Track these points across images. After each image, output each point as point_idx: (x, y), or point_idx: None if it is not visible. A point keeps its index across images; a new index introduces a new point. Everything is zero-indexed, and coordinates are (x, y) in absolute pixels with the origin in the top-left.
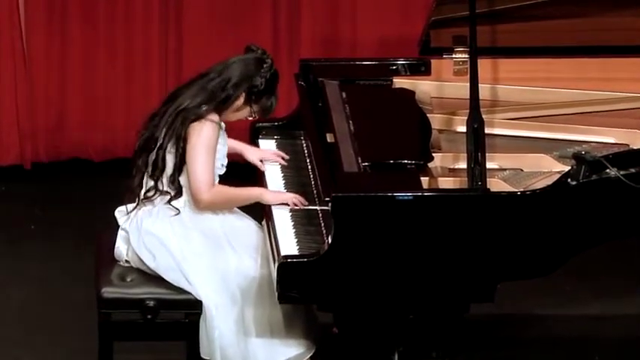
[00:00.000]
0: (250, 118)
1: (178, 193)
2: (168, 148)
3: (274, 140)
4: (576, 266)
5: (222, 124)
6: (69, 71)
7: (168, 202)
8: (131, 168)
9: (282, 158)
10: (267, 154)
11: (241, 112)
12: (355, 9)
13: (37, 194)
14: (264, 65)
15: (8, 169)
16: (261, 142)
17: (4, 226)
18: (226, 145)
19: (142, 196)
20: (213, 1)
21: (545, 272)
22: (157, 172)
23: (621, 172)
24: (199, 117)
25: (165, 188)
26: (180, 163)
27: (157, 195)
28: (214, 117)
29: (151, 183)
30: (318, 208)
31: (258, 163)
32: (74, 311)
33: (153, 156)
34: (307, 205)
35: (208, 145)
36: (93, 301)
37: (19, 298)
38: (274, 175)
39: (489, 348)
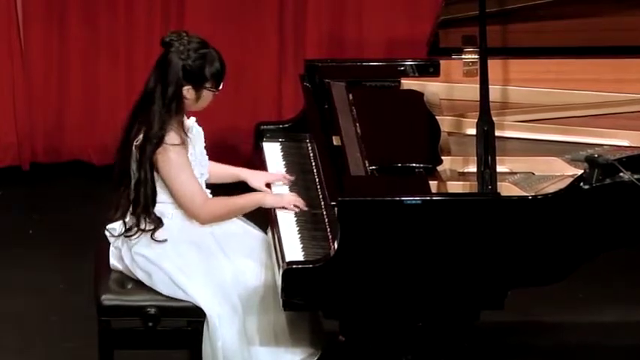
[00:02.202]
0: (217, 92)
1: (159, 224)
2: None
3: (279, 143)
4: (589, 272)
5: (197, 127)
6: (68, 70)
7: (151, 236)
8: (111, 201)
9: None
10: (272, 177)
11: (204, 97)
12: (362, 8)
13: (35, 197)
14: (181, 48)
15: (6, 170)
16: (265, 144)
17: (1, 229)
18: (202, 151)
19: (124, 236)
20: (216, 1)
21: (557, 279)
22: (139, 209)
23: (635, 176)
24: (160, 142)
25: (147, 227)
26: (153, 194)
27: (138, 234)
28: (174, 139)
29: (133, 220)
30: (324, 212)
31: (263, 189)
32: (73, 319)
33: (133, 194)
34: (306, 208)
35: (180, 166)
36: (92, 308)
37: (17, 304)
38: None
39: (499, 356)
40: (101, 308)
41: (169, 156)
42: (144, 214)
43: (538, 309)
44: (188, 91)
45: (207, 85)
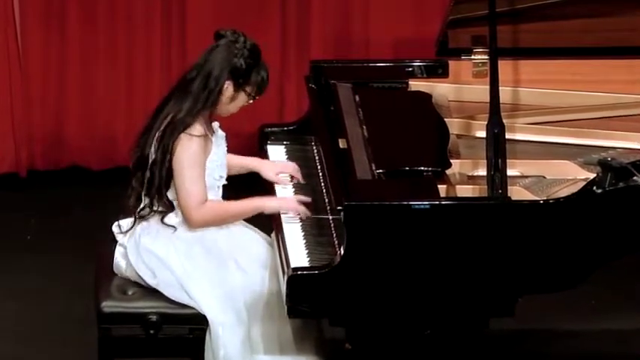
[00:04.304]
0: (251, 102)
1: (170, 208)
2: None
3: (283, 145)
4: (603, 278)
5: (221, 131)
6: (67, 74)
7: (161, 219)
8: (127, 187)
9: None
10: (284, 167)
11: (238, 99)
12: (368, 7)
13: (33, 203)
14: (237, 45)
15: (3, 177)
16: (269, 147)
17: None
18: (224, 154)
19: (137, 215)
20: (218, 1)
21: (569, 286)
22: (153, 190)
23: None
24: (187, 126)
25: (159, 207)
26: (167, 177)
27: (151, 213)
28: (197, 130)
29: (147, 200)
30: (330, 217)
31: (275, 179)
32: (73, 326)
33: (148, 174)
34: (309, 213)
35: (194, 161)
36: (92, 315)
37: (15, 311)
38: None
39: None
40: (101, 315)
41: (188, 145)
42: (157, 195)
43: (549, 316)
44: (228, 88)
45: (248, 89)
